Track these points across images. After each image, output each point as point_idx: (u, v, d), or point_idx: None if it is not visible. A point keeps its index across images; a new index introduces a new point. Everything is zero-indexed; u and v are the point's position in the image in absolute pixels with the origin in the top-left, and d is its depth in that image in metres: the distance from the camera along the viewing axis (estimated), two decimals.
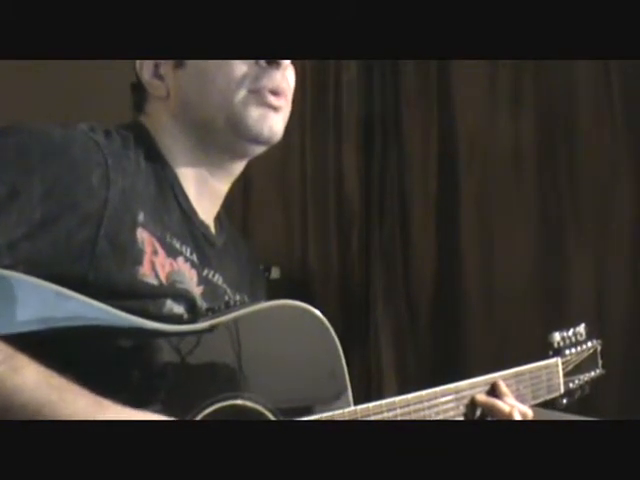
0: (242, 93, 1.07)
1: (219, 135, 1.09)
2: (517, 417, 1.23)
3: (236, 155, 1.13)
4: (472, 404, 1.23)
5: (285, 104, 1.11)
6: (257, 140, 1.09)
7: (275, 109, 1.09)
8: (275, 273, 2.51)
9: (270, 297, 1.13)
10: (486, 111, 2.33)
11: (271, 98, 1.08)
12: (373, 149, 2.55)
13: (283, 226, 2.68)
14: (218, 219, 1.18)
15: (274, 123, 1.09)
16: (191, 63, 1.08)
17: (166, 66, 1.10)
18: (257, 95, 1.07)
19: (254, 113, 1.07)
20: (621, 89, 2.10)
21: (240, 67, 1.07)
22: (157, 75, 1.11)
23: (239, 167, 1.16)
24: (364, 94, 2.56)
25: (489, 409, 1.23)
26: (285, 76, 1.10)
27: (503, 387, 1.26)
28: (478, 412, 1.24)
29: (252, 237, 2.57)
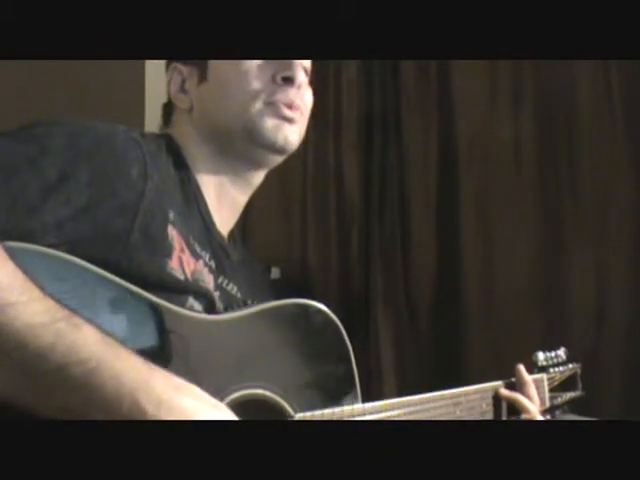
0: (258, 104, 1.13)
1: (237, 143, 1.14)
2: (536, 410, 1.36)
3: (254, 163, 1.18)
4: (497, 398, 1.35)
5: (300, 117, 1.17)
6: (272, 148, 1.15)
7: (290, 120, 1.14)
8: (275, 273, 2.51)
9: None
10: (486, 111, 2.33)
11: (286, 110, 1.14)
12: (373, 149, 2.55)
13: (283, 226, 2.68)
14: (232, 236, 1.22)
15: (289, 133, 1.15)
16: (212, 77, 1.15)
17: (191, 81, 1.18)
18: (272, 107, 1.13)
19: (269, 123, 1.13)
20: (621, 89, 2.10)
21: (256, 82, 1.13)
22: (182, 89, 1.18)
23: (259, 177, 1.21)
24: (364, 94, 2.56)
25: (513, 402, 1.35)
26: (300, 94, 1.16)
27: (525, 375, 1.38)
28: (504, 406, 1.35)
29: (252, 237, 2.58)
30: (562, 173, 2.20)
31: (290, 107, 1.14)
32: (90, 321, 0.83)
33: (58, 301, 0.82)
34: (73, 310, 0.82)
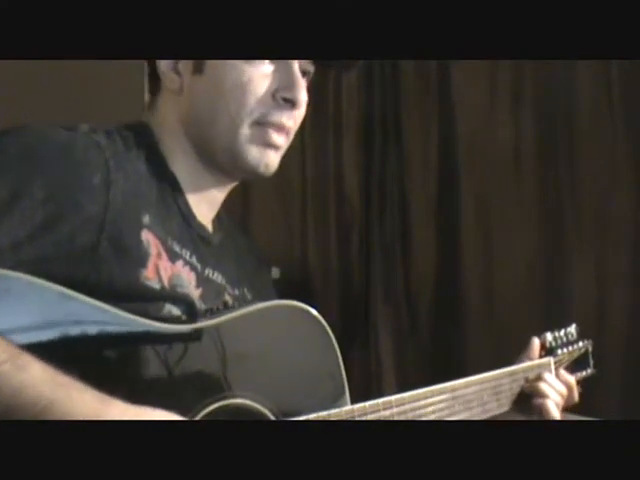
0: (248, 127, 1.06)
1: (217, 157, 1.09)
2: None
3: (233, 177, 1.14)
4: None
5: (285, 142, 1.11)
6: (252, 174, 1.10)
7: (275, 147, 1.09)
8: (275, 273, 2.50)
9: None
10: (486, 111, 2.33)
11: (274, 136, 1.08)
12: (373, 149, 2.55)
13: (283, 226, 2.68)
14: (217, 218, 1.18)
15: (271, 160, 1.10)
16: (209, 72, 1.07)
17: (185, 65, 1.09)
18: (261, 130, 1.07)
19: (254, 151, 1.08)
20: (621, 89, 2.10)
21: (254, 95, 1.06)
22: (175, 69, 1.09)
23: (237, 181, 1.17)
24: (364, 94, 2.56)
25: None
26: (294, 115, 1.10)
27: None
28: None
29: (252, 237, 2.57)
30: (562, 173, 2.20)
31: (280, 130, 1.08)
32: (38, 360, 0.80)
33: (2, 341, 0.79)
34: (19, 350, 0.80)
